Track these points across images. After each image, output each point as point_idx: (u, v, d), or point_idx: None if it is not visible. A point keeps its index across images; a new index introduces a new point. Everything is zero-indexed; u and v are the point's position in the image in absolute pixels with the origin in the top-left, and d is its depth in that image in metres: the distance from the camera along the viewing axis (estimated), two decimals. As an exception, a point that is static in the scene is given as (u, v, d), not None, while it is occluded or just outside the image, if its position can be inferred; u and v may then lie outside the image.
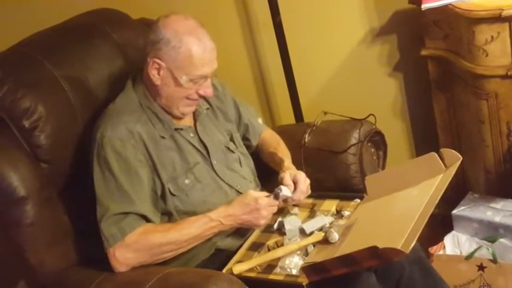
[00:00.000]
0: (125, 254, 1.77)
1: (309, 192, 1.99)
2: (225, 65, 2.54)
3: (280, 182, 1.95)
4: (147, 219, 1.83)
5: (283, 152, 2.16)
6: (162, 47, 1.86)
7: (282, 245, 1.89)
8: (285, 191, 1.90)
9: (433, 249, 2.27)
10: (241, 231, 1.97)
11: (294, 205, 2.06)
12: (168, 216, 1.91)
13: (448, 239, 2.29)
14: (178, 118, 1.98)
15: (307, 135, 2.24)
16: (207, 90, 1.92)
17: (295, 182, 1.95)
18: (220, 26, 2.69)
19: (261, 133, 2.26)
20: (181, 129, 1.97)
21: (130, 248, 1.77)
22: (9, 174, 1.87)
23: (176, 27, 1.86)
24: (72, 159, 2.01)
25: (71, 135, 2.02)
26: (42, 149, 1.97)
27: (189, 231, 1.82)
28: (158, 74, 1.89)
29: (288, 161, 2.09)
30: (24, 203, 1.88)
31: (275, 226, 1.98)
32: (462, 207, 2.30)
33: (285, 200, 1.94)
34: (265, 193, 1.89)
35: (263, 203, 1.83)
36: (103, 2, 2.42)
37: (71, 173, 2.01)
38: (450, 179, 1.81)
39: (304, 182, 1.96)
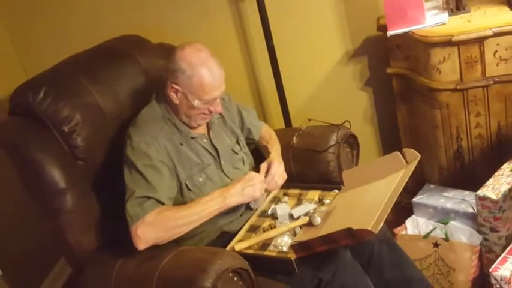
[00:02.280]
0: (144, 230, 1.74)
1: (285, 177, 2.00)
2: (228, 80, 2.54)
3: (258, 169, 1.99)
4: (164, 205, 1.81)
5: (272, 145, 2.15)
6: (178, 76, 1.85)
7: (275, 227, 1.89)
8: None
9: (397, 230, 2.27)
10: (242, 217, 1.97)
11: (284, 194, 2.06)
12: None
13: (409, 222, 2.29)
14: (195, 128, 1.97)
15: (294, 138, 2.23)
16: (217, 108, 1.92)
17: (269, 168, 1.98)
18: (223, 48, 2.68)
19: (261, 130, 2.25)
20: (196, 137, 1.96)
21: (149, 224, 1.74)
22: (51, 170, 1.87)
23: (190, 59, 1.84)
24: (103, 158, 2.01)
25: (102, 138, 2.02)
26: (78, 149, 1.97)
27: (197, 206, 1.81)
28: (176, 95, 1.88)
29: (274, 153, 2.09)
30: (64, 193, 1.88)
31: (269, 212, 1.97)
32: (420, 196, 2.30)
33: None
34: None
35: (252, 173, 1.89)
36: (129, 29, 2.42)
37: (102, 169, 2.00)
38: (411, 173, 1.81)
39: (275, 169, 1.98)
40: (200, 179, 1.91)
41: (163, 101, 1.94)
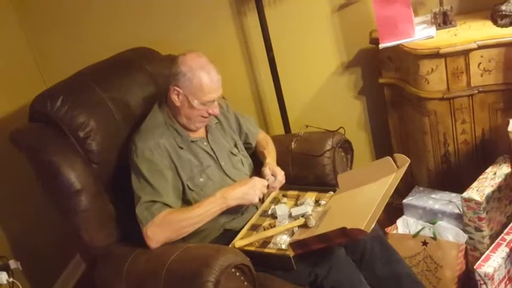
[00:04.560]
0: (154, 232, 1.77)
1: (284, 180, 2.03)
2: (231, 88, 2.57)
3: (262, 174, 2.00)
4: (171, 208, 1.83)
5: (269, 151, 2.17)
6: (180, 78, 1.89)
7: (274, 226, 1.89)
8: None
9: (388, 229, 2.27)
10: (243, 216, 1.98)
11: (283, 195, 2.07)
12: (188, 205, 1.90)
13: (399, 222, 2.28)
14: (194, 131, 1.98)
15: (293, 143, 2.23)
16: (214, 110, 1.94)
17: (274, 174, 2.00)
18: (227, 59, 2.69)
19: (257, 136, 2.26)
20: (196, 140, 1.98)
21: (158, 226, 1.77)
22: (68, 172, 1.88)
23: (191, 64, 1.89)
24: (116, 161, 2.02)
25: (115, 143, 2.03)
26: (93, 153, 1.97)
27: (200, 207, 1.83)
28: (178, 98, 1.91)
29: (269, 158, 2.11)
30: (80, 194, 1.89)
31: (269, 212, 1.98)
32: (410, 198, 2.30)
33: (268, 187, 1.97)
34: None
35: (257, 180, 1.88)
36: (140, 41, 2.43)
37: (115, 171, 2.01)
38: (401, 176, 1.81)
39: (280, 173, 2.01)
40: (201, 180, 1.92)
41: (165, 108, 1.97)
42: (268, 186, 1.96)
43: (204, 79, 1.87)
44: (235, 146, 2.12)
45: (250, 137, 2.22)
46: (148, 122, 1.96)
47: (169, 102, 1.95)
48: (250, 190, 1.86)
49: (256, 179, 1.90)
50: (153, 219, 1.77)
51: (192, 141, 1.96)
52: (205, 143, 2.00)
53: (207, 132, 2.04)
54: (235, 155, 2.08)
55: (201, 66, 1.88)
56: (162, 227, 1.77)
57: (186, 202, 1.90)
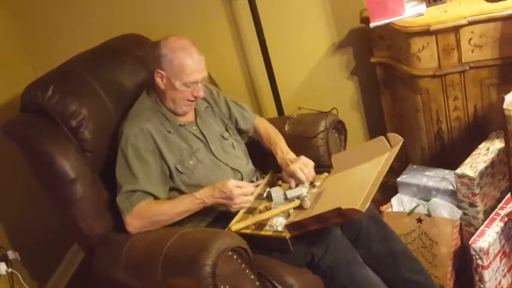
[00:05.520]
0: (133, 221, 1.82)
1: (313, 173, 1.96)
2: (223, 73, 2.56)
3: (293, 177, 1.93)
4: (154, 196, 1.85)
5: (281, 142, 2.09)
6: (162, 60, 1.89)
7: (270, 208, 1.89)
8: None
9: (383, 208, 2.27)
10: None
11: (278, 178, 2.06)
12: (178, 191, 1.92)
13: (394, 200, 2.29)
14: (182, 115, 1.98)
15: (286, 125, 2.23)
16: (199, 92, 1.94)
17: (306, 172, 1.92)
18: (218, 43, 2.68)
19: (253, 121, 2.23)
20: (185, 124, 1.98)
21: (137, 216, 1.82)
22: (62, 161, 1.87)
23: (172, 46, 1.89)
24: (110, 149, 2.00)
25: (108, 131, 2.02)
26: (86, 141, 1.97)
27: (178, 205, 1.84)
28: (162, 80, 1.92)
29: (290, 154, 2.02)
30: (75, 183, 1.88)
31: (264, 194, 1.98)
32: (404, 176, 2.30)
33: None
34: (244, 183, 1.88)
35: (235, 194, 1.79)
36: (130, 29, 2.41)
37: (109, 159, 1.99)
38: (394, 155, 1.81)
39: (312, 167, 1.94)
40: (191, 162, 1.93)
41: (153, 93, 1.97)
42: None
43: (185, 60, 1.87)
44: (227, 130, 2.11)
45: (241, 122, 2.20)
46: (135, 109, 1.97)
47: (155, 86, 1.95)
48: (227, 201, 1.81)
49: (235, 191, 1.79)
50: (132, 209, 1.81)
51: (181, 125, 1.97)
52: (194, 127, 2.00)
53: (196, 116, 2.04)
54: (226, 139, 2.08)
55: (182, 47, 1.89)
56: (140, 218, 1.82)
57: (175, 188, 1.91)
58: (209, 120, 2.07)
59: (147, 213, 1.82)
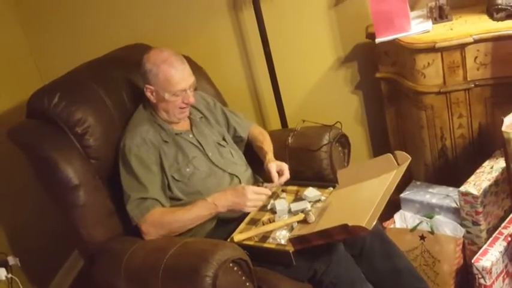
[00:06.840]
0: (149, 229, 1.82)
1: (289, 176, 2.00)
2: (228, 84, 2.56)
3: (268, 173, 1.98)
4: (160, 203, 1.85)
5: (268, 146, 2.15)
6: (148, 76, 1.93)
7: (274, 221, 1.88)
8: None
9: (386, 224, 2.26)
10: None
11: (283, 191, 2.05)
12: (177, 201, 1.91)
13: (397, 216, 2.27)
14: (177, 123, 2.00)
15: (290, 138, 2.22)
16: (189, 99, 1.96)
17: (281, 171, 1.98)
18: (224, 54, 2.68)
19: (249, 129, 2.25)
20: (181, 133, 1.99)
21: (152, 224, 1.82)
22: (66, 168, 1.87)
23: (154, 60, 1.92)
24: (114, 156, 2.00)
25: (112, 138, 2.02)
26: (91, 149, 1.97)
27: (191, 211, 1.83)
28: (152, 95, 1.95)
29: (270, 154, 2.09)
30: (78, 189, 1.88)
31: (268, 206, 1.96)
32: (407, 192, 2.29)
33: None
34: (257, 188, 1.88)
35: (249, 190, 1.81)
36: (136, 38, 2.42)
37: (113, 167, 1.99)
38: (402, 173, 1.79)
39: (287, 169, 1.99)
40: (187, 170, 1.93)
41: (148, 106, 2.00)
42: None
43: (169, 71, 1.90)
44: (224, 139, 2.12)
45: (240, 130, 2.22)
46: (134, 121, 1.99)
47: (148, 100, 1.98)
48: (241, 199, 1.82)
49: (249, 188, 1.83)
50: (144, 217, 1.81)
51: (177, 134, 1.98)
52: (190, 135, 2.02)
53: (191, 125, 2.06)
54: (224, 146, 2.09)
55: (163, 60, 1.91)
56: (154, 226, 1.82)
57: (174, 198, 1.91)
58: (204, 129, 2.08)
59: (162, 220, 1.82)
